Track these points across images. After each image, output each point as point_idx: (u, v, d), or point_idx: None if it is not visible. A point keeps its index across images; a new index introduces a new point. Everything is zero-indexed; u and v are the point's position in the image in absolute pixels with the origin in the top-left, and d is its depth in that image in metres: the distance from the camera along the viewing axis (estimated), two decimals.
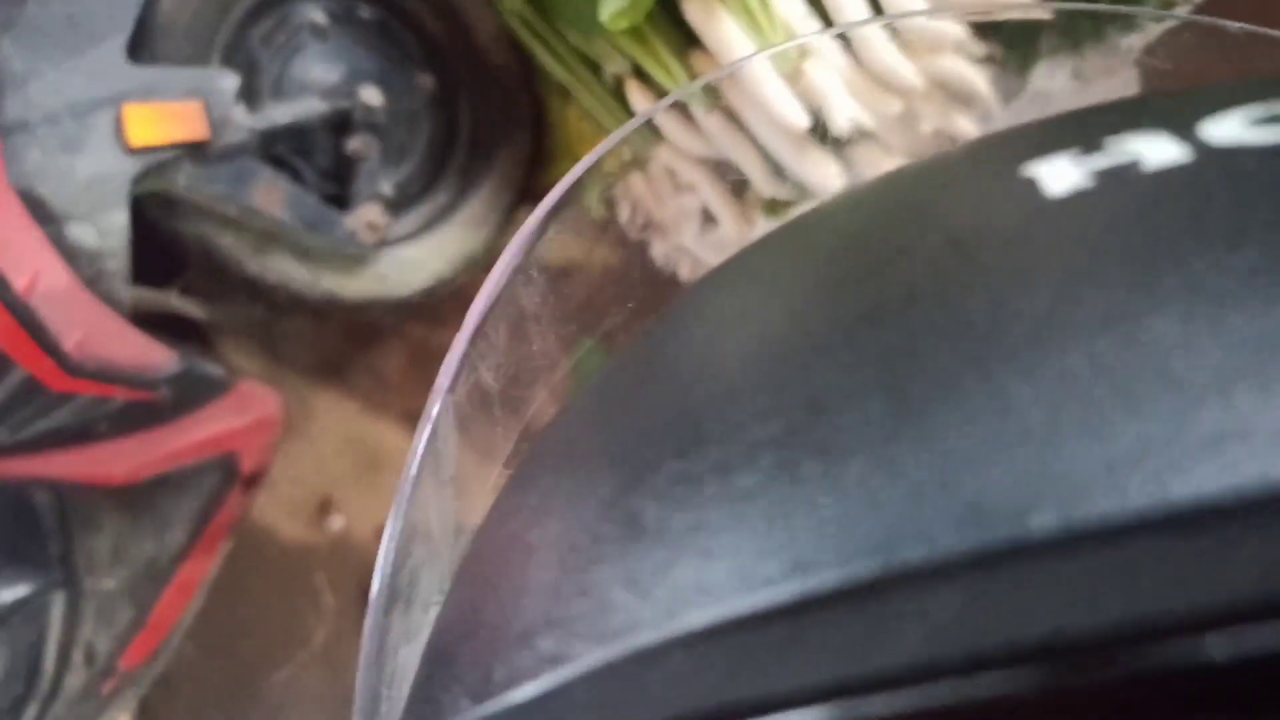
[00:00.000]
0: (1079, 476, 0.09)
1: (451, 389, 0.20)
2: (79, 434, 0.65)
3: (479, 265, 0.91)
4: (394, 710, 0.16)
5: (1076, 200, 0.12)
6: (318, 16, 0.77)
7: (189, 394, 0.73)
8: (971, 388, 0.10)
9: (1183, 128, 0.12)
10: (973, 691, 0.09)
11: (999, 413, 0.10)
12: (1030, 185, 0.12)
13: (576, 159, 0.97)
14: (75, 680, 0.83)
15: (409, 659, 0.16)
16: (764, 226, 0.74)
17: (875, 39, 0.60)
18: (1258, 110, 0.12)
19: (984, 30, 0.66)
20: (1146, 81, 0.61)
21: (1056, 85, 0.65)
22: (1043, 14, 0.65)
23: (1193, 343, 0.09)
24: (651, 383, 0.14)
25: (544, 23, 0.77)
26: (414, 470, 0.19)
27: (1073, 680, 0.09)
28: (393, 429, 1.14)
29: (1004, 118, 0.66)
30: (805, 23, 0.63)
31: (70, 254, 0.62)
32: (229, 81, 0.68)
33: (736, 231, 0.72)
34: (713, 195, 0.70)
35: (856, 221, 0.15)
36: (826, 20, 0.63)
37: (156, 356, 0.69)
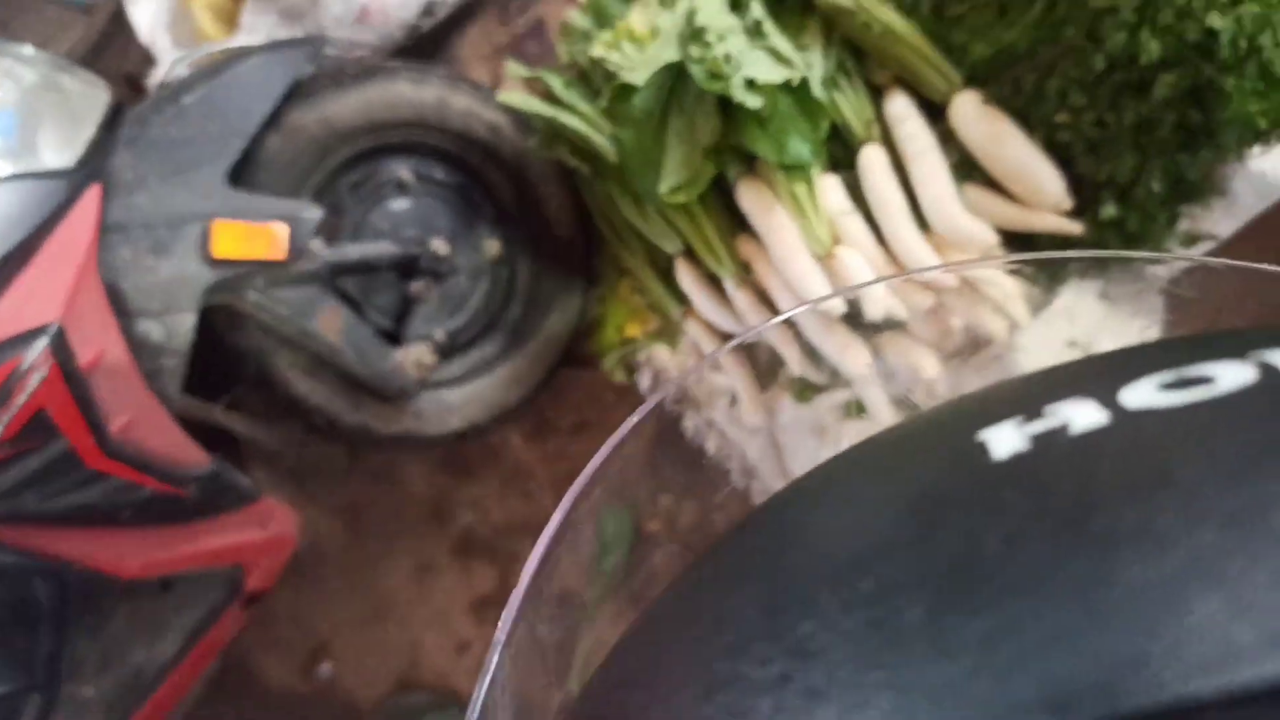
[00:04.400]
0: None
1: (508, 643, 0.22)
2: (104, 517, 0.67)
3: (512, 419, 0.93)
4: None
5: (1015, 462, 0.14)
6: (404, 173, 0.84)
7: (215, 498, 0.74)
8: (933, 641, 0.12)
9: (1107, 393, 0.14)
10: None
11: (967, 650, 0.11)
12: (981, 449, 0.14)
13: (620, 331, 1.00)
14: None
15: None
16: (788, 411, 0.77)
17: (908, 233, 0.64)
18: (1167, 375, 0.14)
19: (1016, 243, 0.70)
20: (1171, 308, 0.64)
21: (1084, 305, 0.68)
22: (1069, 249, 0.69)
23: (1100, 592, 0.11)
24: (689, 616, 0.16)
25: (609, 199, 0.83)
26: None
27: None
28: (400, 580, 1.12)
29: (1032, 327, 0.69)
30: (849, 218, 0.68)
31: (136, 346, 0.66)
32: (313, 213, 0.74)
33: (755, 413, 0.74)
34: (737, 375, 0.73)
35: (834, 490, 0.17)
36: (868, 213, 0.67)
37: (192, 455, 0.71)
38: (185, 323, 0.69)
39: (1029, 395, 0.15)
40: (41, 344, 0.57)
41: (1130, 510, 0.12)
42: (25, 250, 0.57)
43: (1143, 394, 0.14)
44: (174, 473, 0.70)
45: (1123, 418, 0.14)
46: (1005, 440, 0.14)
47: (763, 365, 0.77)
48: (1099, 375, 0.15)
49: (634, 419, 0.29)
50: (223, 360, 0.80)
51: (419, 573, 1.11)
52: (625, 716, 0.15)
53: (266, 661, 1.11)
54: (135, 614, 0.79)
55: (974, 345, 0.68)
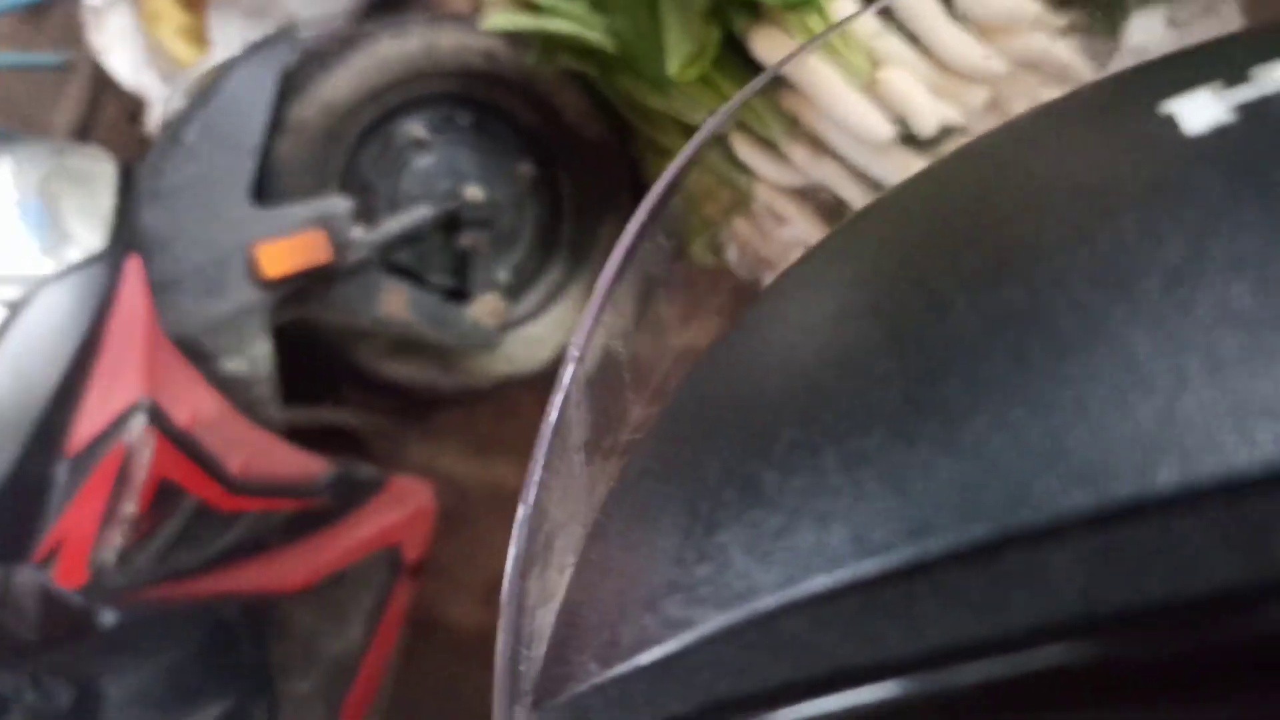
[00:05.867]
0: (1200, 432, 0.08)
1: (581, 359, 0.20)
2: (255, 546, 0.71)
3: None
4: (532, 670, 0.16)
5: (1216, 137, 0.11)
6: (418, 131, 0.82)
7: (348, 496, 0.78)
8: (1091, 346, 0.10)
9: None
10: (1088, 654, 0.08)
11: (1119, 371, 0.09)
12: (1168, 123, 0.12)
13: (698, 210, 0.97)
14: None
15: (546, 620, 0.16)
16: None
17: (946, 32, 0.59)
18: None
19: (1065, 7, 0.63)
20: (1249, 14, 0.57)
21: (1153, 38, 0.61)
22: None
23: None
24: (769, 353, 0.14)
25: (626, 90, 0.79)
26: (547, 438, 0.19)
27: (1195, 643, 0.08)
28: None
29: None
30: (879, 39, 0.63)
31: (225, 386, 0.68)
32: (344, 206, 0.73)
33: None
34: (805, 223, 0.70)
35: (979, 173, 0.14)
36: (903, 30, 0.62)
37: (312, 466, 0.74)
38: (262, 349, 0.71)
39: (1228, 57, 0.12)
40: (140, 421, 0.59)
41: None
42: (91, 341, 0.59)
43: None
44: (302, 488, 0.73)
45: None
46: (1202, 111, 0.11)
47: (830, 209, 0.74)
48: None
49: (659, 186, 0.27)
50: (313, 362, 0.81)
51: None
52: (652, 519, 0.13)
53: (450, 609, 1.19)
54: (317, 611, 0.85)
55: None
